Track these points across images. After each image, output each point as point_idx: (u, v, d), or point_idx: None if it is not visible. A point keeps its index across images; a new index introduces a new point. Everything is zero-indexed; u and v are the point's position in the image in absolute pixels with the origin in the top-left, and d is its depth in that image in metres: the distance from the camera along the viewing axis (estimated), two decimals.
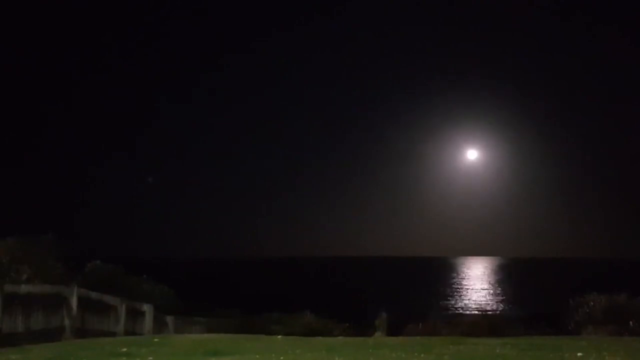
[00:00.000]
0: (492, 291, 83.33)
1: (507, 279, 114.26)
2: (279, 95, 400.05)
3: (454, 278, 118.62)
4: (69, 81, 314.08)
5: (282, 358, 8.07)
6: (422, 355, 8.34)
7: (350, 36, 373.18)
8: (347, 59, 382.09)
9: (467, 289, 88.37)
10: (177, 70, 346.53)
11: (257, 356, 8.29)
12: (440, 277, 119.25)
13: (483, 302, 64.57)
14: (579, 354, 8.17)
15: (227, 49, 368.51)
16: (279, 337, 12.04)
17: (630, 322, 15.26)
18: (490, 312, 40.33)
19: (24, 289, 11.43)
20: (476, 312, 45.18)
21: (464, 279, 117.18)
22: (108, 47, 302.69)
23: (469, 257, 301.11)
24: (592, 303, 16.57)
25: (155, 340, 10.85)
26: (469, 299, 69.25)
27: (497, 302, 65.10)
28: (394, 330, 18.05)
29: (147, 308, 16.14)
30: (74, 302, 12.62)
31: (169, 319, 17.82)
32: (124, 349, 8.96)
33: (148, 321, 16.05)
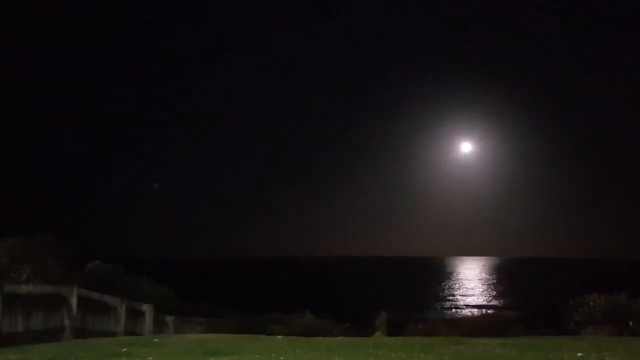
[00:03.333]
0: (491, 291, 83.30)
1: (506, 279, 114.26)
2: (279, 95, 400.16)
3: (453, 278, 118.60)
4: (69, 81, 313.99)
5: (282, 358, 8.06)
6: (422, 355, 8.33)
7: (350, 36, 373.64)
8: (347, 59, 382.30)
9: (467, 289, 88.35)
10: (177, 70, 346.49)
11: (257, 356, 8.28)
12: (440, 277, 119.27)
13: (483, 302, 64.55)
14: (579, 354, 8.17)
15: (227, 49, 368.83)
16: (279, 337, 12.02)
17: (630, 322, 15.25)
18: (490, 312, 40.26)
19: (24, 289, 11.43)
20: (476, 312, 45.14)
21: (463, 279, 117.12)
22: (108, 47, 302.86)
23: (469, 257, 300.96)
24: (592, 303, 16.57)
25: (155, 340, 10.85)
26: (468, 299, 69.24)
27: (497, 302, 65.08)
28: (394, 330, 18.05)
29: (147, 308, 16.14)
30: (74, 302, 12.62)
31: (169, 319, 17.83)
32: (124, 349, 8.96)
33: (148, 321, 16.05)
